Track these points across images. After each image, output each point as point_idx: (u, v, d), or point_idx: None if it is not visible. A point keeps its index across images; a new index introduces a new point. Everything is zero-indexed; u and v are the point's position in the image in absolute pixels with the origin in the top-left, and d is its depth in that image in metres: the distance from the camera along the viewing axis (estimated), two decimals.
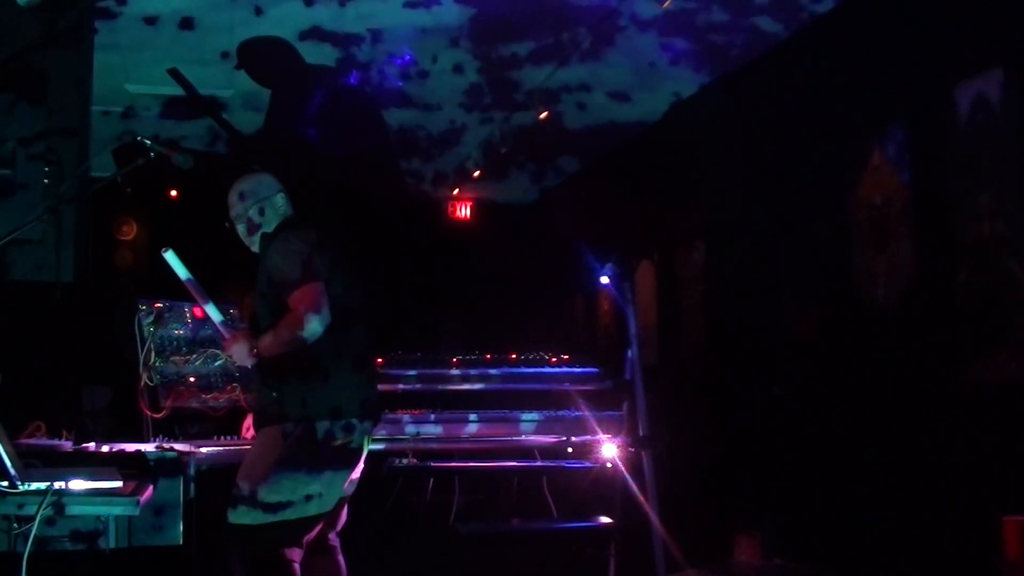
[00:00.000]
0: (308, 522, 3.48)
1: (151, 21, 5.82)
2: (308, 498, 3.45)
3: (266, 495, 3.41)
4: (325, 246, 3.62)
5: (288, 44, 6.20)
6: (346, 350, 3.56)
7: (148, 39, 6.01)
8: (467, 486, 5.30)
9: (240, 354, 3.58)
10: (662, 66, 6.50)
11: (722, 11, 5.68)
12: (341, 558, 3.71)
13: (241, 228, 3.76)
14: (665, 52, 6.28)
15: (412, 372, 5.27)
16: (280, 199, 3.75)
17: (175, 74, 6.49)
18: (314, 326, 3.40)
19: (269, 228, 3.71)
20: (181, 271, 3.61)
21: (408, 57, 6.44)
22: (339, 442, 3.51)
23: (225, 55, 6.29)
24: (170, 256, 3.58)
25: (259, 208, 3.72)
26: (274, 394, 3.50)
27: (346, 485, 3.61)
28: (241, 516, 3.43)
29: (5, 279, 4.34)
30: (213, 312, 3.69)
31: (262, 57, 6.38)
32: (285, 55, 6.31)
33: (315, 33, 6.10)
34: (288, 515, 3.42)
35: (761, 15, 5.69)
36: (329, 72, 6.59)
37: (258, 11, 5.77)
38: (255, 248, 3.74)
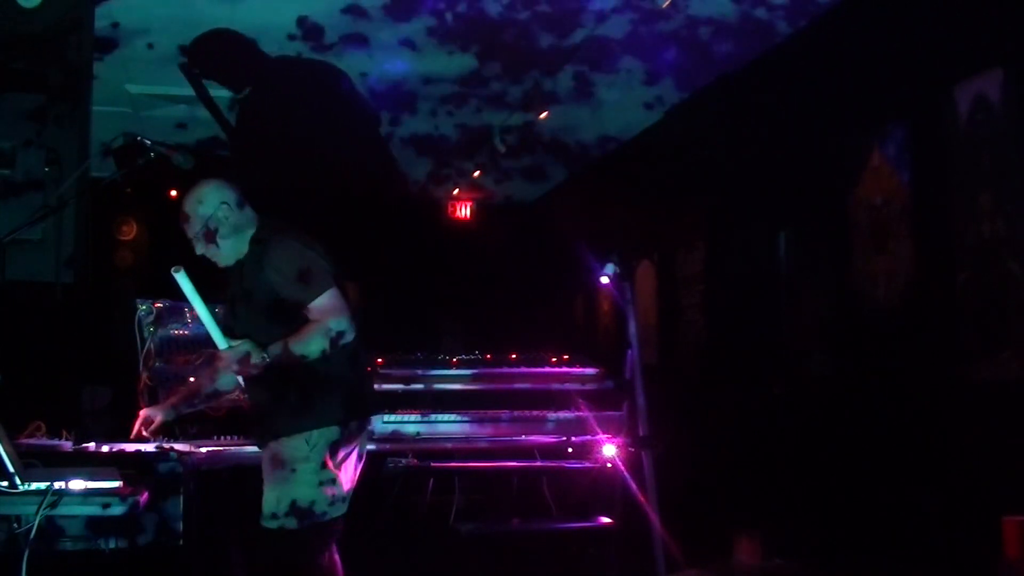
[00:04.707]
0: (337, 523, 3.51)
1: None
2: (336, 499, 3.47)
3: (303, 504, 3.40)
4: (320, 246, 3.58)
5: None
6: (349, 349, 3.53)
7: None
8: (467, 486, 5.29)
9: (243, 364, 3.42)
10: (663, 66, 6.52)
11: (722, 11, 5.69)
12: (337, 557, 3.71)
13: (200, 249, 3.60)
14: (666, 52, 6.29)
15: (412, 372, 5.27)
16: (223, 211, 3.54)
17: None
18: (351, 329, 3.42)
19: (226, 244, 3.56)
20: (189, 292, 3.47)
21: (401, 65, 6.46)
22: (354, 442, 3.55)
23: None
24: (180, 277, 3.45)
25: (207, 226, 3.55)
26: (292, 401, 3.46)
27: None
28: (279, 524, 3.41)
29: (5, 279, 4.34)
30: (216, 335, 3.50)
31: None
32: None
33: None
34: (322, 519, 3.43)
35: (761, 15, 5.70)
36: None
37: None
38: (227, 262, 3.60)
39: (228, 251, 3.59)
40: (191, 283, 3.47)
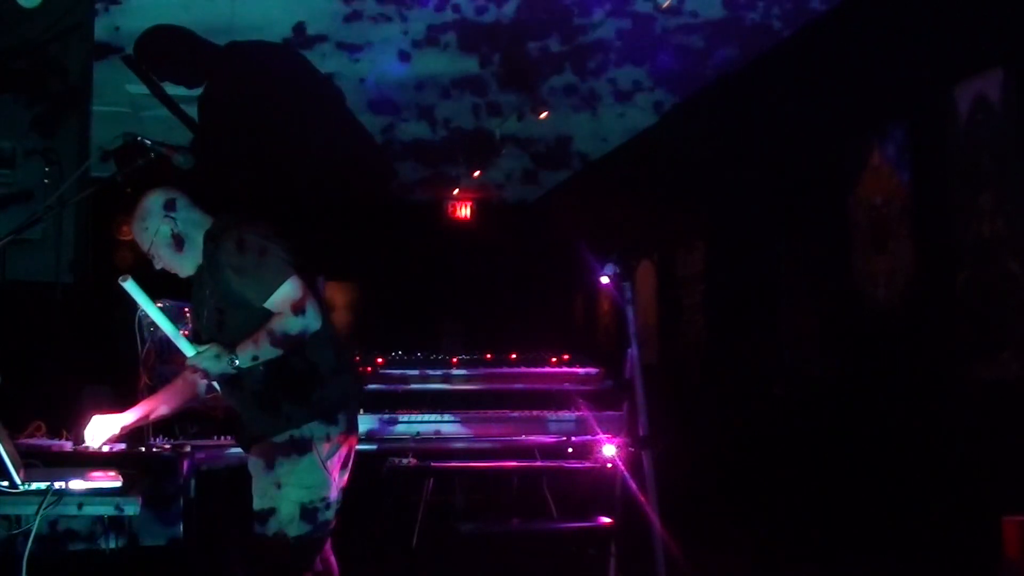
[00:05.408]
0: (330, 524, 3.42)
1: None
2: (327, 505, 3.38)
3: (295, 530, 3.32)
4: (279, 236, 3.43)
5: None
6: (329, 341, 3.45)
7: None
8: (467, 486, 5.29)
9: (218, 365, 3.30)
10: (662, 68, 6.53)
11: (720, 13, 5.69)
12: (333, 558, 3.67)
13: (157, 264, 3.52)
14: (665, 54, 6.29)
15: (412, 372, 5.26)
16: (168, 224, 3.47)
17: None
18: (316, 319, 3.29)
19: (181, 252, 3.47)
20: (142, 299, 3.38)
21: (400, 66, 6.45)
22: (344, 437, 3.45)
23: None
24: (130, 286, 3.36)
25: (157, 239, 3.47)
26: (271, 401, 3.36)
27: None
28: (271, 537, 3.33)
29: (5, 279, 4.34)
30: (180, 341, 3.42)
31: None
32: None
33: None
34: (316, 531, 3.35)
35: (758, 17, 5.70)
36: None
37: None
38: (188, 271, 3.52)
39: (185, 259, 3.49)
40: (142, 291, 3.38)
